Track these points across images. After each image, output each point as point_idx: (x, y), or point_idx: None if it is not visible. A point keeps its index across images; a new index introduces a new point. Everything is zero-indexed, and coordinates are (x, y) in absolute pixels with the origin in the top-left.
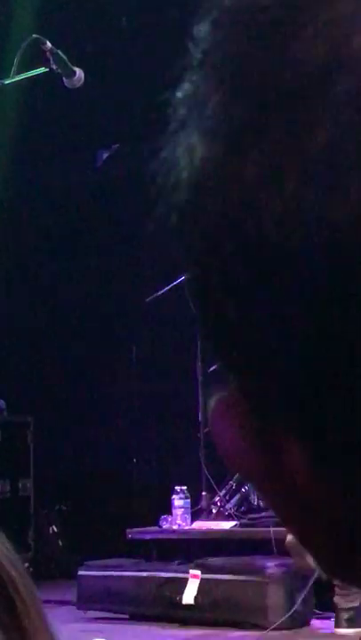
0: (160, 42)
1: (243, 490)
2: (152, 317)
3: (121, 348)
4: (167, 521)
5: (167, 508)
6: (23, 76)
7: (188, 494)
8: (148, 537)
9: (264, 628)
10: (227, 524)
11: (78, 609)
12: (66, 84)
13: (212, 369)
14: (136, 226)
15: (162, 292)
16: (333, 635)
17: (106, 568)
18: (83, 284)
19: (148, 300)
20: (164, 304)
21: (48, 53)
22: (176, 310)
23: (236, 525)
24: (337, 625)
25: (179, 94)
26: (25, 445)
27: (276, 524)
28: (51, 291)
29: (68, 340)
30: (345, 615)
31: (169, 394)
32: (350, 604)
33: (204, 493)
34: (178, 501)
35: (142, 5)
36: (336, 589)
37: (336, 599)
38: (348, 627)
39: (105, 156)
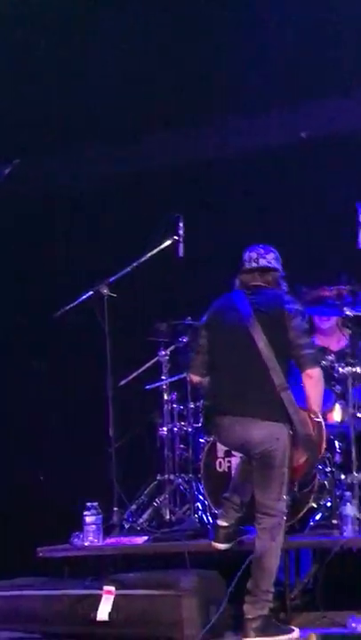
0: (61, 61)
1: (154, 504)
2: (61, 332)
3: (30, 364)
4: (79, 538)
5: (78, 525)
6: None
7: (99, 510)
8: (59, 554)
9: None
10: (139, 539)
11: None
12: None
13: (121, 383)
14: (43, 240)
15: (70, 306)
16: None
17: (16, 587)
18: None
19: (55, 315)
20: (73, 319)
21: None
22: (85, 325)
23: (148, 540)
24: (244, 634)
25: None
26: None
27: (188, 537)
28: None
29: None
30: (253, 624)
31: (79, 409)
32: (259, 613)
33: (115, 509)
34: (89, 518)
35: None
36: (246, 597)
37: (245, 608)
38: (256, 636)
39: (6, 171)
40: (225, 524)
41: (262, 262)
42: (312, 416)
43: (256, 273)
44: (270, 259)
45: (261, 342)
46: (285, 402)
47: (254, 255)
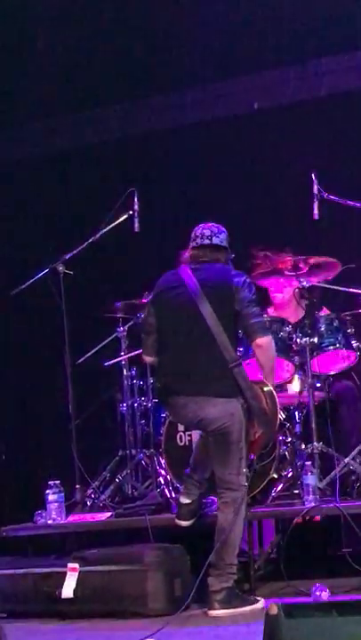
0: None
1: (116, 480)
2: (18, 310)
3: None
4: (41, 516)
5: (41, 504)
6: None
7: (61, 488)
8: (22, 533)
9: (145, 616)
10: (102, 516)
11: None
12: None
13: (80, 360)
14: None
15: (26, 284)
16: (207, 616)
17: None
18: None
19: (12, 293)
20: (31, 296)
21: None
22: (43, 302)
23: (111, 516)
24: (210, 607)
25: None
26: None
27: (151, 512)
28: None
29: None
30: (218, 597)
31: (38, 387)
32: (223, 585)
33: (77, 486)
34: (52, 496)
35: None
36: (210, 570)
37: (210, 580)
38: (221, 608)
39: None
40: (187, 500)
41: (215, 240)
42: (264, 388)
43: (207, 250)
44: (222, 238)
45: (210, 317)
46: (237, 377)
47: (207, 232)
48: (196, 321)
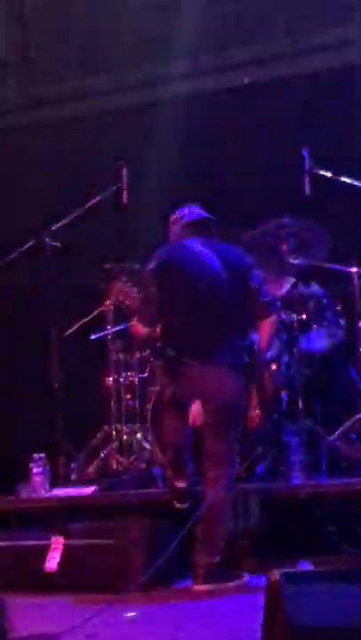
0: None
1: (101, 454)
2: (4, 283)
3: None
4: (25, 489)
5: (25, 477)
6: None
7: (46, 462)
8: (5, 506)
9: (129, 590)
10: (87, 490)
11: None
12: None
13: (67, 333)
14: None
15: (13, 255)
16: (191, 591)
17: None
18: None
19: None
20: (15, 269)
21: None
22: (29, 275)
23: (95, 490)
24: (194, 582)
25: None
26: None
27: (136, 487)
28: None
29: None
30: (203, 572)
31: (23, 360)
32: (208, 560)
33: (62, 460)
34: (36, 469)
35: None
36: (196, 546)
37: (195, 555)
38: (206, 583)
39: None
40: (182, 484)
41: (211, 223)
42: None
43: (208, 224)
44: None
45: (231, 289)
46: (252, 352)
47: (196, 210)
48: (215, 292)
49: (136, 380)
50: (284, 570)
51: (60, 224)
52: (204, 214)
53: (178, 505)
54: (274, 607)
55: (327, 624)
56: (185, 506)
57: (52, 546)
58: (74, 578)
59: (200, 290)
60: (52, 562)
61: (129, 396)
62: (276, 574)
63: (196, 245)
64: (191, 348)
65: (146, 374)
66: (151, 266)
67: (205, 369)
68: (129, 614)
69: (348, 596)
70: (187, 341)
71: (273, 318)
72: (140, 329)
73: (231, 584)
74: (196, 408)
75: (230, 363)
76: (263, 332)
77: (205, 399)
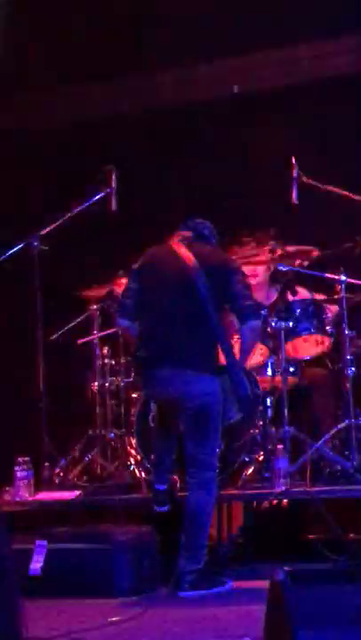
0: None
1: (86, 459)
2: None
3: None
4: (9, 493)
5: (9, 480)
6: None
7: (30, 465)
8: None
9: (112, 596)
10: (71, 494)
11: None
12: None
13: (52, 337)
14: None
15: (1, 259)
16: (176, 597)
17: None
18: None
19: None
20: (3, 272)
21: None
22: (14, 278)
23: (80, 495)
24: (179, 588)
25: None
26: None
27: (120, 492)
28: None
29: None
30: (188, 578)
31: (9, 363)
32: (193, 567)
33: (46, 464)
34: (20, 473)
35: None
36: (180, 552)
37: (180, 562)
38: (190, 589)
39: None
40: (163, 487)
41: (206, 232)
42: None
43: (198, 229)
44: (209, 228)
45: (206, 294)
46: (227, 357)
47: (191, 223)
48: (190, 295)
49: (122, 384)
50: (289, 569)
51: (49, 228)
52: (197, 219)
53: (157, 507)
54: (277, 606)
55: (331, 624)
56: (164, 509)
57: (37, 550)
58: (57, 582)
59: (175, 292)
60: (36, 566)
61: (114, 401)
62: (280, 573)
63: (181, 249)
64: (160, 350)
65: (131, 379)
66: (136, 265)
67: (173, 373)
68: (113, 619)
69: (352, 595)
70: (156, 344)
71: (253, 324)
72: (122, 322)
73: (215, 590)
74: None
75: (202, 367)
76: (245, 337)
77: (177, 404)
